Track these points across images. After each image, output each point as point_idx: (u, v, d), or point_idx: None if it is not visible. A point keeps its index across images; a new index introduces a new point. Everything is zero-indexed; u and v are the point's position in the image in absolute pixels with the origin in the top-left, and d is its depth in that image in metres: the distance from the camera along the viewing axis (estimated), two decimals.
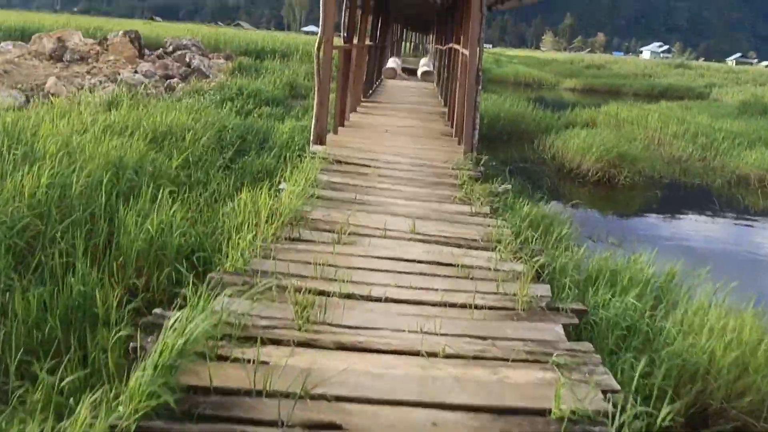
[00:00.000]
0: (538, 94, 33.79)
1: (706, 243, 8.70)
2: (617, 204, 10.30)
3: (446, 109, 14.79)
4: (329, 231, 4.94)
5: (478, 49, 8.56)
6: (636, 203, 10.42)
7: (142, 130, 7.52)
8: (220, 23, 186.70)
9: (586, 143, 11.70)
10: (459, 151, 9.30)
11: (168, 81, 17.43)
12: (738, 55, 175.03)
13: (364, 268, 4.28)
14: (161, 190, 5.24)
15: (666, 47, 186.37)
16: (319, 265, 4.12)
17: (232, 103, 13.39)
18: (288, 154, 8.96)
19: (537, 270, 4.43)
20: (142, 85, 15.66)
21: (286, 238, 4.70)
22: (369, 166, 7.67)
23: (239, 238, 4.33)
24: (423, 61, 28.20)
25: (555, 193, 10.13)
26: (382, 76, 22.92)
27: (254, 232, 4.53)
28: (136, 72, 17.67)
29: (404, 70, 26.61)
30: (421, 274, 4.28)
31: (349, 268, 4.23)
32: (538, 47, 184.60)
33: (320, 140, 8.84)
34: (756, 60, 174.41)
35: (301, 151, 9.44)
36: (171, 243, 4.52)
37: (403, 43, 46.11)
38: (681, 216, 10.06)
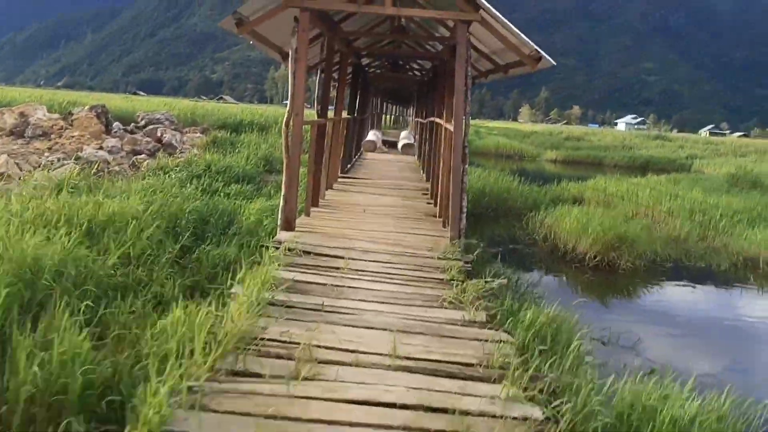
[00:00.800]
0: (519, 165, 33.38)
1: (732, 341, 7.68)
2: (621, 293, 9.30)
3: (429, 185, 13.94)
4: (285, 358, 3.85)
5: (463, 124, 7.71)
6: (641, 292, 9.43)
7: (77, 220, 6.45)
8: (203, 97, 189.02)
9: (581, 223, 10.81)
10: (444, 235, 8.35)
11: (134, 157, 16.49)
12: (711, 126, 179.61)
13: (326, 422, 3.17)
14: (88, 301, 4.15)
15: (640, 119, 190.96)
16: (265, 419, 3.02)
17: (198, 181, 12.43)
18: (253, 242, 7.97)
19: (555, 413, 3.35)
20: (103, 163, 14.70)
21: (227, 373, 3.59)
22: (342, 258, 6.64)
23: (160, 382, 3.21)
24: (404, 133, 27.69)
25: (553, 282, 9.15)
26: (362, 149, 22.22)
27: (184, 368, 3.42)
28: (100, 148, 16.73)
29: (384, 142, 26.02)
30: (405, 430, 3.18)
31: (307, 421, 3.13)
32: (516, 119, 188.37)
33: (289, 225, 7.84)
34: (729, 131, 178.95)
35: (270, 235, 8.45)
36: (73, 384, 3.40)
37: (384, 115, 46.01)
38: (694, 308, 9.08)
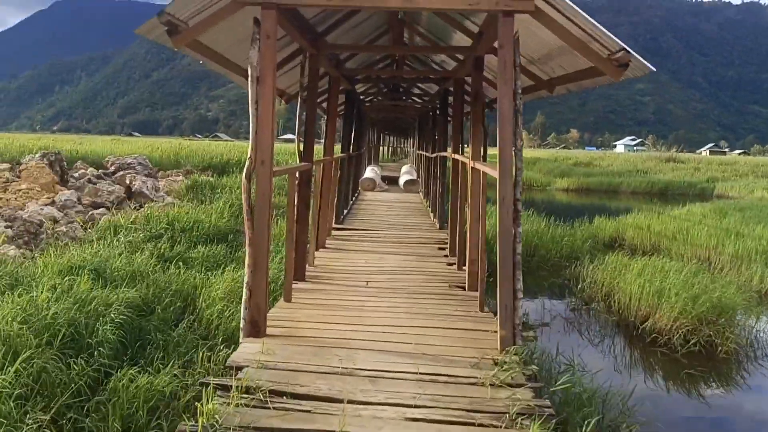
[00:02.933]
0: (528, 196, 30.81)
1: None
2: (744, 405, 6.52)
3: (444, 235, 11.34)
4: None
5: (514, 166, 5.14)
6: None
7: None
8: (198, 136, 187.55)
9: (653, 285, 8.17)
10: (486, 328, 5.75)
11: (93, 211, 13.92)
12: (711, 144, 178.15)
13: None
14: None
15: (639, 140, 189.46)
16: None
17: (156, 244, 9.83)
18: (205, 358, 5.36)
19: None
20: (49, 221, 12.11)
21: None
22: (332, 400, 4.01)
23: None
24: (405, 168, 25.17)
25: (641, 381, 6.50)
26: (359, 189, 19.68)
27: None
28: (53, 202, 14.17)
29: (384, 179, 23.49)
30: None
31: None
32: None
33: (255, 329, 5.23)
34: (728, 149, 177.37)
35: (229, 343, 5.82)
36: None
37: (381, 146, 43.63)
38: None
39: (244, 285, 5.27)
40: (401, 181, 22.08)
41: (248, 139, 5.37)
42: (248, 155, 5.31)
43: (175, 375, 4.99)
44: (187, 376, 5.06)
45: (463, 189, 8.43)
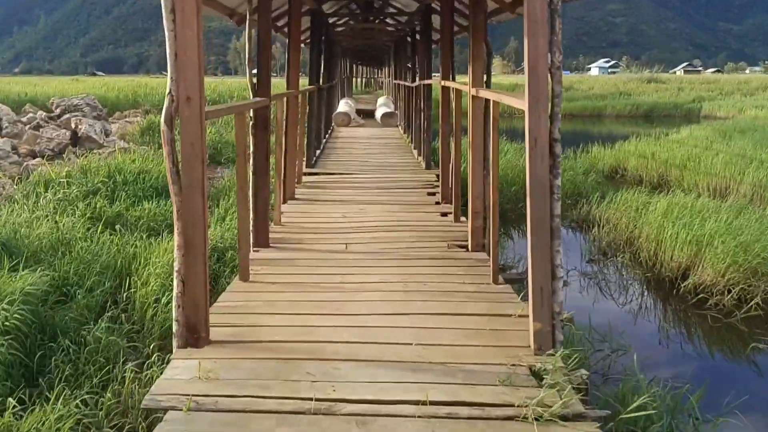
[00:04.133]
0: (511, 125, 29.19)
1: None
2: None
3: (430, 174, 9.86)
4: None
5: (548, 97, 3.63)
6: None
7: None
8: (164, 73, 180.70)
9: (691, 231, 6.78)
10: (507, 310, 4.34)
11: (30, 162, 12.15)
12: (685, 63, 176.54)
13: None
14: None
15: (613, 62, 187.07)
16: None
17: (91, 201, 8.23)
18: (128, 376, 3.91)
19: None
20: None
21: None
22: None
23: None
24: (381, 100, 23.37)
25: (697, 358, 5.19)
26: (333, 125, 17.98)
27: None
28: None
29: (359, 112, 21.73)
30: None
31: None
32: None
33: (193, 335, 3.75)
34: (701, 67, 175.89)
35: (168, 341, 4.34)
36: None
37: (353, 78, 41.47)
38: None
39: (175, 274, 3.75)
40: (378, 115, 20.37)
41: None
42: (167, 90, 3.70)
43: (79, 407, 3.53)
44: (99, 411, 3.59)
45: (458, 123, 6.87)
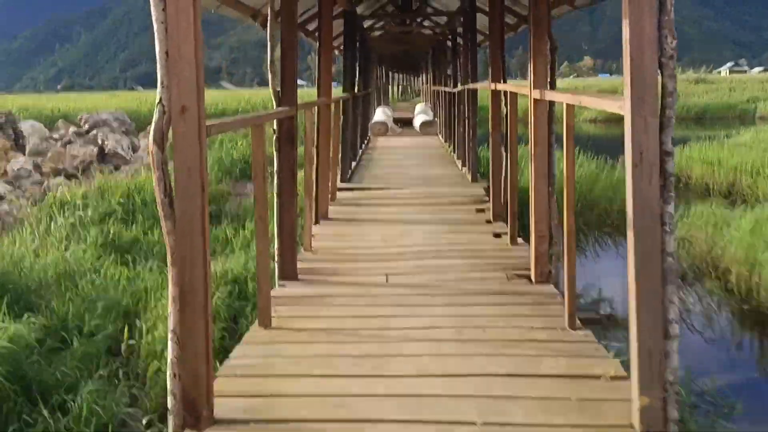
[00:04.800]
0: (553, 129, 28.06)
1: None
2: None
3: (477, 188, 8.94)
4: None
5: (659, 90, 2.70)
6: None
7: None
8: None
9: None
10: (593, 369, 3.39)
11: (49, 181, 11.59)
12: (731, 63, 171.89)
13: None
14: None
15: None
16: None
17: (106, 224, 7.53)
18: None
19: None
20: None
21: None
22: None
23: None
24: (419, 107, 22.49)
25: None
26: (369, 134, 17.16)
27: None
28: (5, 172, 11.83)
29: (396, 121, 20.88)
30: None
31: None
32: (524, 77, 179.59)
33: (192, 414, 2.88)
34: (747, 68, 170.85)
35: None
36: None
37: (389, 86, 40.71)
38: None
39: (169, 335, 2.90)
40: (416, 123, 19.52)
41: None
42: (156, 99, 2.87)
43: None
44: None
45: (513, 130, 5.94)
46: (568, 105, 3.86)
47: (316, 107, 6.99)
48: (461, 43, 13.12)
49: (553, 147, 4.98)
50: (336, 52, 13.44)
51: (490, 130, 7.14)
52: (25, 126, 20.18)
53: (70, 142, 16.26)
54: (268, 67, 5.04)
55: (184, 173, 2.87)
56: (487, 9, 10.06)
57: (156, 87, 2.86)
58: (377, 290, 4.88)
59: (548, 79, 5.03)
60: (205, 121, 2.93)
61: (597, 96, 3.76)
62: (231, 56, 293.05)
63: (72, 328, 4.81)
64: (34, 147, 14.90)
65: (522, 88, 5.50)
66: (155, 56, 2.86)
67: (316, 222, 7.04)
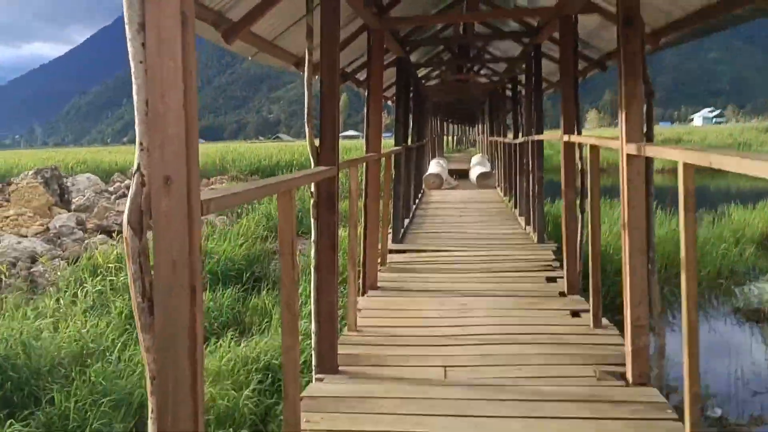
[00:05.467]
0: (615, 179, 26.68)
1: None
2: None
3: (544, 251, 7.97)
4: None
5: None
6: None
7: None
8: (260, 138, 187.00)
9: None
10: None
11: (91, 240, 11.13)
12: None
13: None
14: None
15: (717, 111, 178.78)
16: None
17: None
18: None
19: None
20: (26, 260, 9.39)
21: None
22: None
23: None
24: (475, 159, 21.66)
25: None
26: (423, 188, 16.37)
27: None
28: (46, 230, 11.46)
29: (451, 173, 20.08)
30: None
31: None
32: (582, 125, 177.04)
33: None
34: None
35: None
36: None
37: (445, 136, 40.11)
38: None
39: None
40: (473, 175, 18.65)
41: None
42: (134, 166, 2.10)
43: None
44: None
45: (596, 189, 5.01)
46: (686, 165, 2.94)
47: (363, 163, 6.23)
48: (522, 91, 12.32)
49: (652, 213, 4.04)
50: (390, 102, 12.80)
51: (563, 187, 6.22)
52: (81, 179, 20.24)
53: (124, 195, 16.02)
54: (306, 121, 4.28)
55: (168, 269, 2.07)
56: (550, 54, 9.27)
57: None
58: (433, 391, 3.96)
59: (644, 128, 4.12)
60: (199, 195, 2.13)
61: (738, 153, 2.80)
62: (290, 109, 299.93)
63: (73, 430, 4.05)
64: (84, 202, 14.64)
65: (610, 141, 4.60)
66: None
67: (363, 293, 6.20)
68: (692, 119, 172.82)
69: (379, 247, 7.18)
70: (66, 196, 13.54)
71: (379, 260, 7.06)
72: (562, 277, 6.44)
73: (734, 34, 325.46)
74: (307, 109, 4.26)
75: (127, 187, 16.53)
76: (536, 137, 8.41)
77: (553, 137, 7.89)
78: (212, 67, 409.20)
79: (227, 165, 27.75)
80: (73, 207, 13.51)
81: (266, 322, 6.35)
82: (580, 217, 5.98)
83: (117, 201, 15.56)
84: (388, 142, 12.52)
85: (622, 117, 4.08)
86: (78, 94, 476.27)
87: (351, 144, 42.14)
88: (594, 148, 4.94)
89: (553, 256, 7.56)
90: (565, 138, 5.94)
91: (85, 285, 7.12)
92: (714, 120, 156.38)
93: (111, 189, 20.04)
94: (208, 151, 37.13)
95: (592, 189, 5.05)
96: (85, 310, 6.53)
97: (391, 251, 8.20)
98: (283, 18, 5.52)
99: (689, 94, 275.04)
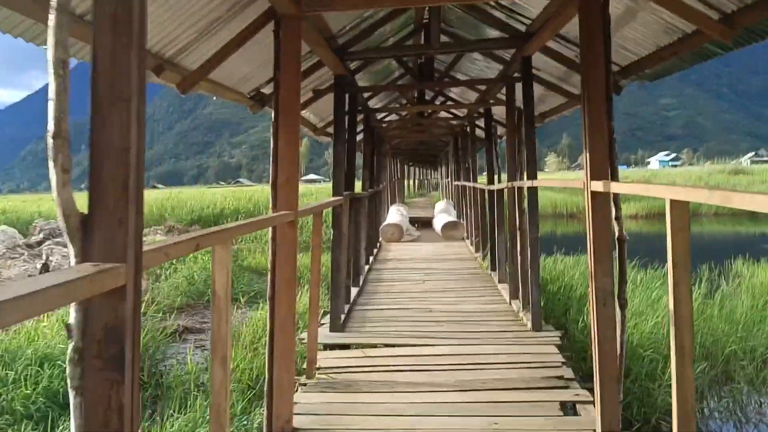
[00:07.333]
0: (581, 226, 24.73)
1: None
2: None
3: (539, 337, 5.56)
4: None
5: None
6: None
7: None
8: (221, 183, 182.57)
9: None
10: None
11: None
12: (751, 154, 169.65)
13: None
14: None
15: (673, 155, 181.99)
16: None
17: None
18: None
19: None
20: None
21: None
22: None
23: None
24: (440, 205, 19.41)
25: None
26: (380, 240, 13.99)
27: None
28: None
29: (413, 221, 17.76)
30: None
31: None
32: (541, 170, 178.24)
33: None
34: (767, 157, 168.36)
35: None
36: None
37: (404, 180, 37.94)
38: None
39: None
40: (437, 225, 16.36)
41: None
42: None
43: None
44: None
45: (685, 274, 2.63)
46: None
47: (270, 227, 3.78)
48: (496, 127, 10.13)
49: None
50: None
51: (592, 263, 3.81)
52: None
53: (16, 256, 13.26)
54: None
55: None
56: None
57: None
58: None
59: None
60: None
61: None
62: (251, 153, 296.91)
63: None
64: None
65: (656, 188, 2.26)
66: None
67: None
68: (649, 162, 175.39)
69: (306, 341, 4.70)
70: None
71: (295, 387, 4.55)
72: (589, 403, 4.03)
73: (685, 80, 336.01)
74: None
75: (24, 246, 13.77)
76: (528, 183, 6.05)
77: (569, 184, 5.62)
78: (174, 112, 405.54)
79: (166, 214, 24.98)
80: None
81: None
82: (619, 312, 3.63)
83: (10, 261, 12.79)
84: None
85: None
86: (35, 139, 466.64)
87: (314, 188, 39.73)
88: (678, 205, 2.58)
89: (561, 357, 5.16)
90: (595, 186, 3.56)
91: None
92: (670, 163, 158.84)
93: (32, 241, 17.16)
94: (149, 197, 34.23)
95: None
96: None
97: (326, 347, 5.70)
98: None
99: (644, 138, 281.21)
